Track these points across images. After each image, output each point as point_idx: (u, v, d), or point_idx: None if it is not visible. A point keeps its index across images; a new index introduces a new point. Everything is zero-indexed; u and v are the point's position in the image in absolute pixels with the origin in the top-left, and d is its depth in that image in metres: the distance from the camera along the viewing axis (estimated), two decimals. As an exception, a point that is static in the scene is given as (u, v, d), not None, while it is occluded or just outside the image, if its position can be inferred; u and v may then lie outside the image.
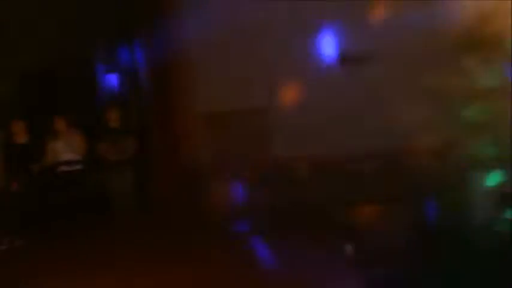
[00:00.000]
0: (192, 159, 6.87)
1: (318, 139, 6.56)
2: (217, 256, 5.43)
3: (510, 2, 4.23)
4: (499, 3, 4.33)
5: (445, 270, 3.84)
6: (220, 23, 6.32)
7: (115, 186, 6.91)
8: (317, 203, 6.12)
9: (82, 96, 8.21)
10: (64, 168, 6.88)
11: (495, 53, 4.27)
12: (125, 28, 7.81)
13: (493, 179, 4.18)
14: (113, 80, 8.00)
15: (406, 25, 6.16)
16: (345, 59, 6.75)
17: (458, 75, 4.40)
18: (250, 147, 6.78)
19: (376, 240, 4.83)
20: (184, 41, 6.76)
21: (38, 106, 7.55)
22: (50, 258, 6.17)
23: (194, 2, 6.56)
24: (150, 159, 7.13)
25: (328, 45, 6.85)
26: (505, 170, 4.11)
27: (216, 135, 6.93)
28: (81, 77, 8.30)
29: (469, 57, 4.37)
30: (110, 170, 6.86)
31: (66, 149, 6.85)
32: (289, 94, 6.68)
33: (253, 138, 6.85)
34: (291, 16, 6.72)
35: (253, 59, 6.74)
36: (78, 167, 6.93)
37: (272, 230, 6.01)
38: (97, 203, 7.16)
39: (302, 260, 5.13)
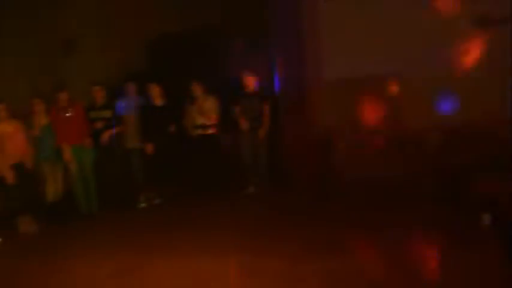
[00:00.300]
0: (322, 126, 6.95)
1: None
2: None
3: None
4: None
5: None
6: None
7: (246, 150, 7.13)
8: (451, 172, 5.95)
9: (217, 62, 8.55)
10: (199, 131, 7.22)
11: None
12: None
13: None
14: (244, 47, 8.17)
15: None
16: (485, 21, 6.36)
17: None
18: (382, 114, 6.70)
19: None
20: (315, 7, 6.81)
21: (178, 72, 7.90)
22: (184, 216, 6.68)
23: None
24: (280, 125, 7.27)
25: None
26: None
27: (345, 102, 6.93)
28: (216, 44, 8.60)
29: None
30: (242, 134, 7.08)
31: (201, 112, 7.17)
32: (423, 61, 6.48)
33: (386, 105, 6.76)
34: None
35: (387, 23, 6.59)
36: (211, 130, 7.24)
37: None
38: (229, 167, 7.52)
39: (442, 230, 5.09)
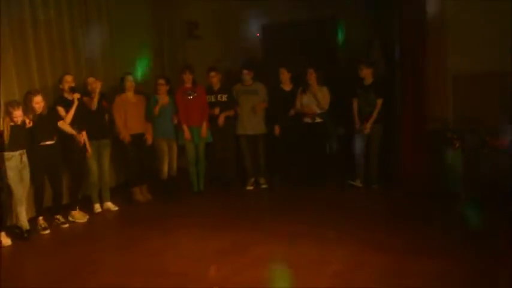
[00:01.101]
0: (439, 121, 6.68)
1: None
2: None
3: None
4: None
5: None
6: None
7: (358, 143, 7.07)
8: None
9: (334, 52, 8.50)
10: (307, 119, 7.23)
11: None
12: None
13: None
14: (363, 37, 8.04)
15: None
16: None
17: None
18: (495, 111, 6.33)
19: None
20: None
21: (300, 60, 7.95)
22: (289, 201, 6.79)
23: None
24: (396, 117, 7.08)
25: None
26: None
27: (462, 98, 6.61)
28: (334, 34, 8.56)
29: None
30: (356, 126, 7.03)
31: (312, 101, 7.18)
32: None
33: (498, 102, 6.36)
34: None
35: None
36: (319, 119, 7.22)
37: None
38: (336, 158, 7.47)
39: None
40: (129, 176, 7.14)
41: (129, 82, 6.85)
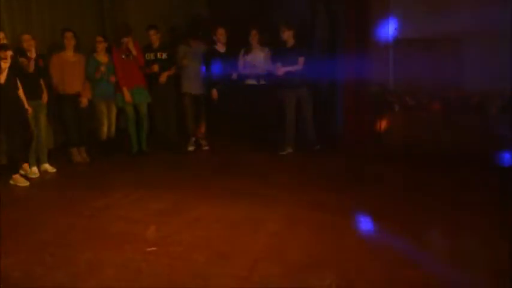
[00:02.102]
0: (383, 87, 6.82)
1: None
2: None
3: None
4: None
5: None
6: None
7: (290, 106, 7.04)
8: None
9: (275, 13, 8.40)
10: (250, 81, 7.21)
11: None
12: None
13: None
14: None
15: None
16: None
17: None
18: (442, 76, 6.50)
19: None
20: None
21: (236, 19, 7.85)
22: (229, 163, 6.81)
23: None
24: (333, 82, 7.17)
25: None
26: None
27: (408, 62, 6.75)
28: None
29: None
30: (285, 88, 6.97)
31: (254, 63, 7.14)
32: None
33: (446, 68, 6.54)
34: None
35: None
36: (262, 81, 7.21)
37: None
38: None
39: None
40: (66, 137, 6.97)
41: (69, 39, 6.60)
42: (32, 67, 6.11)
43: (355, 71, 6.92)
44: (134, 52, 6.92)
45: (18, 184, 6.00)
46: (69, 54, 6.67)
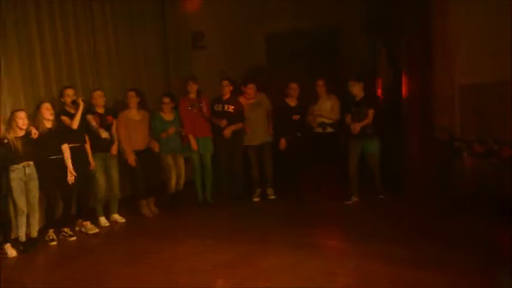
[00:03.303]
0: (446, 131, 6.65)
1: None
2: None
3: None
4: None
5: None
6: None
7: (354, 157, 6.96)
8: None
9: (336, 63, 8.48)
10: (318, 129, 7.22)
11: None
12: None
13: None
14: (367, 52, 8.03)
15: None
16: None
17: None
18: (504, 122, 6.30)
19: None
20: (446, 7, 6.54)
21: (297, 69, 7.97)
22: (296, 212, 6.76)
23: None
24: (400, 131, 7.07)
25: None
26: None
27: (471, 108, 6.59)
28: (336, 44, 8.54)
29: None
30: (355, 138, 6.89)
31: (321, 111, 7.17)
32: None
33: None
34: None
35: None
36: (330, 129, 7.20)
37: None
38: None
39: None
40: (135, 189, 7.12)
41: (132, 98, 6.84)
42: (96, 125, 6.38)
43: (420, 118, 6.81)
44: (204, 108, 7.09)
45: (90, 232, 6.17)
46: (134, 112, 6.88)
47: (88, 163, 6.30)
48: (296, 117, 7.18)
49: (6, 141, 5.44)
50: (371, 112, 6.73)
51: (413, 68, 6.84)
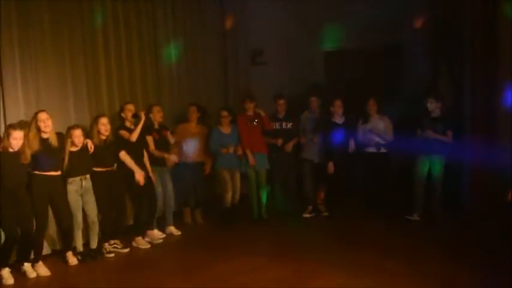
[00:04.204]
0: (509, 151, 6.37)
1: None
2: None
3: None
4: None
5: None
6: None
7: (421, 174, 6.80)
8: None
9: (397, 82, 8.33)
10: (370, 149, 7.10)
11: None
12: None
13: None
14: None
15: None
16: None
17: None
18: None
19: None
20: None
21: (355, 88, 7.88)
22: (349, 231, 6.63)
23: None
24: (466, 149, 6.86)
25: None
26: None
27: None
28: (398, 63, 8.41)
29: None
30: (424, 154, 6.75)
31: (373, 131, 7.05)
32: None
33: None
34: None
35: None
36: (383, 150, 7.07)
37: None
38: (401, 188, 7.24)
39: None
40: (183, 200, 7.27)
41: (193, 113, 7.03)
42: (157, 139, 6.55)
43: (483, 137, 6.57)
44: (263, 114, 7.12)
45: (140, 246, 6.27)
46: (193, 125, 7.12)
47: (146, 178, 6.37)
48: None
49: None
50: (450, 133, 6.65)
51: (477, 85, 6.61)
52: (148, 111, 6.62)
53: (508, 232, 5.89)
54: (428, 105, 6.70)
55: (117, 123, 6.37)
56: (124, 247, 6.14)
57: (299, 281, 4.85)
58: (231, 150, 7.03)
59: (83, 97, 6.33)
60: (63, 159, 5.57)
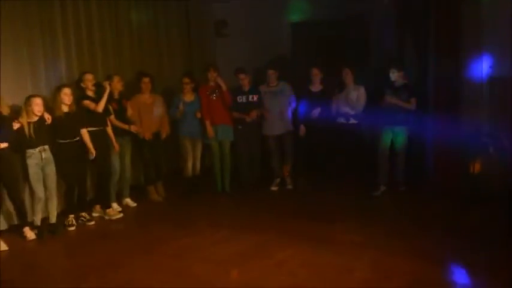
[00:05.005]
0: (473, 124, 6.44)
1: None
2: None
3: None
4: None
5: None
6: None
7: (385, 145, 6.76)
8: None
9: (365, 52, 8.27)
10: (341, 119, 7.04)
11: None
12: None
13: None
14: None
15: None
16: None
17: None
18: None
19: None
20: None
21: (331, 60, 7.79)
22: (314, 204, 6.60)
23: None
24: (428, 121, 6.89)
25: None
26: None
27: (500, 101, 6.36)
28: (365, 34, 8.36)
29: None
30: (384, 124, 6.69)
31: (346, 101, 6.99)
32: None
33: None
34: None
35: None
36: (354, 121, 7.02)
37: None
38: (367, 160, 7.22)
39: None
40: (144, 176, 7.14)
41: (145, 84, 6.83)
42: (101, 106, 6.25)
43: (446, 111, 6.60)
44: (224, 86, 6.96)
45: (113, 217, 6.22)
46: (146, 96, 6.87)
47: (108, 147, 6.29)
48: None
49: (19, 125, 5.38)
50: (414, 100, 6.57)
51: (442, 57, 6.62)
52: (108, 81, 6.43)
53: (470, 204, 6.01)
54: (391, 74, 6.64)
55: (76, 93, 6.14)
56: (90, 220, 6.07)
57: (261, 253, 4.82)
58: (181, 107, 6.88)
59: (40, 67, 6.10)
60: (16, 131, 5.36)
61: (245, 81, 7.16)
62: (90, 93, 6.14)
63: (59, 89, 5.78)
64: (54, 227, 5.70)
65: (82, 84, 6.15)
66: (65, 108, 5.77)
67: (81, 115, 5.93)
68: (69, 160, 5.82)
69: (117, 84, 6.49)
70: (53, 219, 5.74)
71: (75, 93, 6.03)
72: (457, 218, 5.71)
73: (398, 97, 6.58)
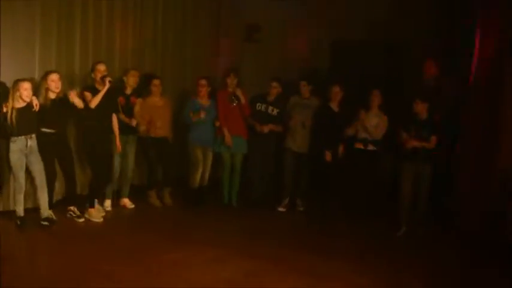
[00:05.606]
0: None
1: None
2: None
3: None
4: None
5: None
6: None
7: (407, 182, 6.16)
8: None
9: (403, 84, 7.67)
10: (359, 145, 6.53)
11: None
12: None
13: None
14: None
15: None
16: None
17: None
18: None
19: None
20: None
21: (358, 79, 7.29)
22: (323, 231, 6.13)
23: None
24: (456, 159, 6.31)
25: None
26: None
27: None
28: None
29: None
30: (405, 160, 6.16)
31: (365, 126, 6.47)
32: None
33: None
34: None
35: None
36: (372, 147, 6.50)
37: None
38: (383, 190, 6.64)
39: None
40: (148, 178, 6.85)
41: (155, 86, 6.54)
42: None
43: (479, 149, 6.01)
44: (243, 100, 6.61)
45: (92, 219, 5.86)
46: (156, 99, 6.57)
47: (108, 144, 6.02)
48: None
49: (5, 110, 5.14)
50: (434, 138, 6.00)
51: (481, 91, 6.03)
52: (123, 74, 6.26)
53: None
54: (414, 105, 6.08)
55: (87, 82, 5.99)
56: (79, 216, 5.79)
57: (250, 284, 4.38)
58: (203, 115, 6.49)
59: (51, 54, 5.92)
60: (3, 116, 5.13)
61: (274, 90, 6.76)
62: (98, 85, 5.84)
63: (46, 74, 5.50)
64: (48, 221, 5.45)
65: (92, 75, 5.89)
66: (52, 95, 5.48)
67: (71, 105, 5.54)
68: (53, 152, 5.56)
69: (130, 79, 6.25)
70: (44, 213, 5.46)
71: (84, 81, 5.83)
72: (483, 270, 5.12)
73: (418, 133, 6.03)
